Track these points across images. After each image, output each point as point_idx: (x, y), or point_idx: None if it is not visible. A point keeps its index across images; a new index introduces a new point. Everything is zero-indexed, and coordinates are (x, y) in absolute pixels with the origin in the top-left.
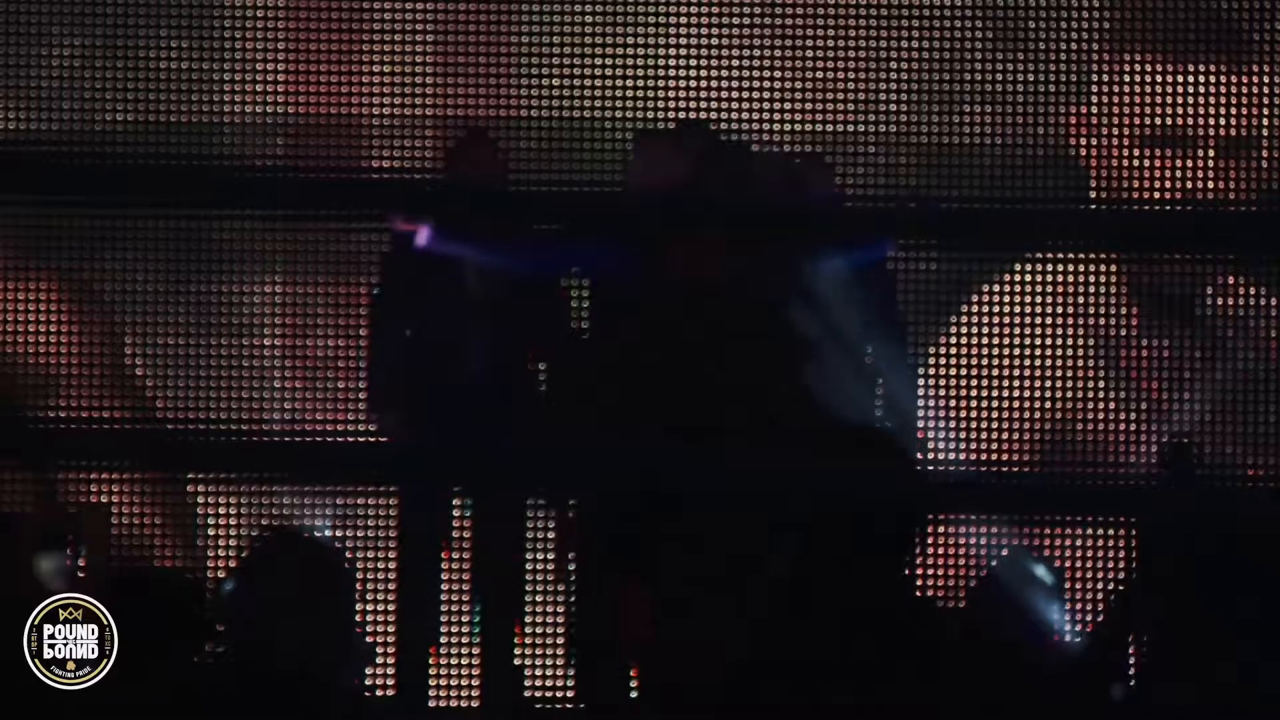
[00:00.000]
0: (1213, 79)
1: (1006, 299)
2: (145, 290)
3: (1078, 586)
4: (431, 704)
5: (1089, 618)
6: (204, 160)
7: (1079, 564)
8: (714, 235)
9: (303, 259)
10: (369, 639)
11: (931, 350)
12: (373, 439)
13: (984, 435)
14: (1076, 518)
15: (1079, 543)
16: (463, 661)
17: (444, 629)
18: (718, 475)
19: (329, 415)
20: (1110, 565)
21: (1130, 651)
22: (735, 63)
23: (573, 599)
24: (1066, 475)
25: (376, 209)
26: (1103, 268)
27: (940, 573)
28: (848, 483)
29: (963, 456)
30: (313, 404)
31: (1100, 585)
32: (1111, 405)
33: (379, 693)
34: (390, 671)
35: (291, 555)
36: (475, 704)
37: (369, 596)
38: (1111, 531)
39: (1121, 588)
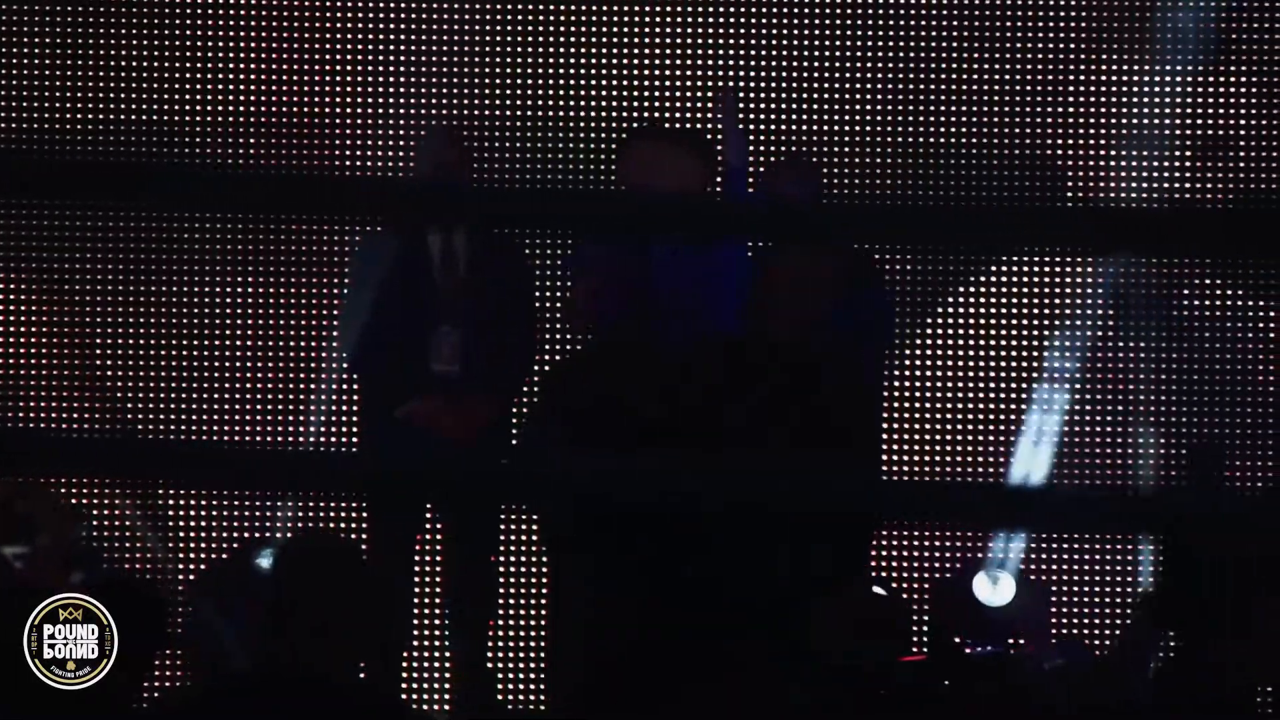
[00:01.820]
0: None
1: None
2: (121, 292)
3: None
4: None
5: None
6: (174, 159)
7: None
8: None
9: (277, 261)
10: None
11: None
12: (344, 449)
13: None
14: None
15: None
16: (435, 664)
17: (415, 632)
18: (689, 482)
19: (300, 422)
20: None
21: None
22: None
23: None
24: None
25: (347, 209)
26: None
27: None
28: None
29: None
30: (286, 410)
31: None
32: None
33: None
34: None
35: (322, 561)
36: (446, 707)
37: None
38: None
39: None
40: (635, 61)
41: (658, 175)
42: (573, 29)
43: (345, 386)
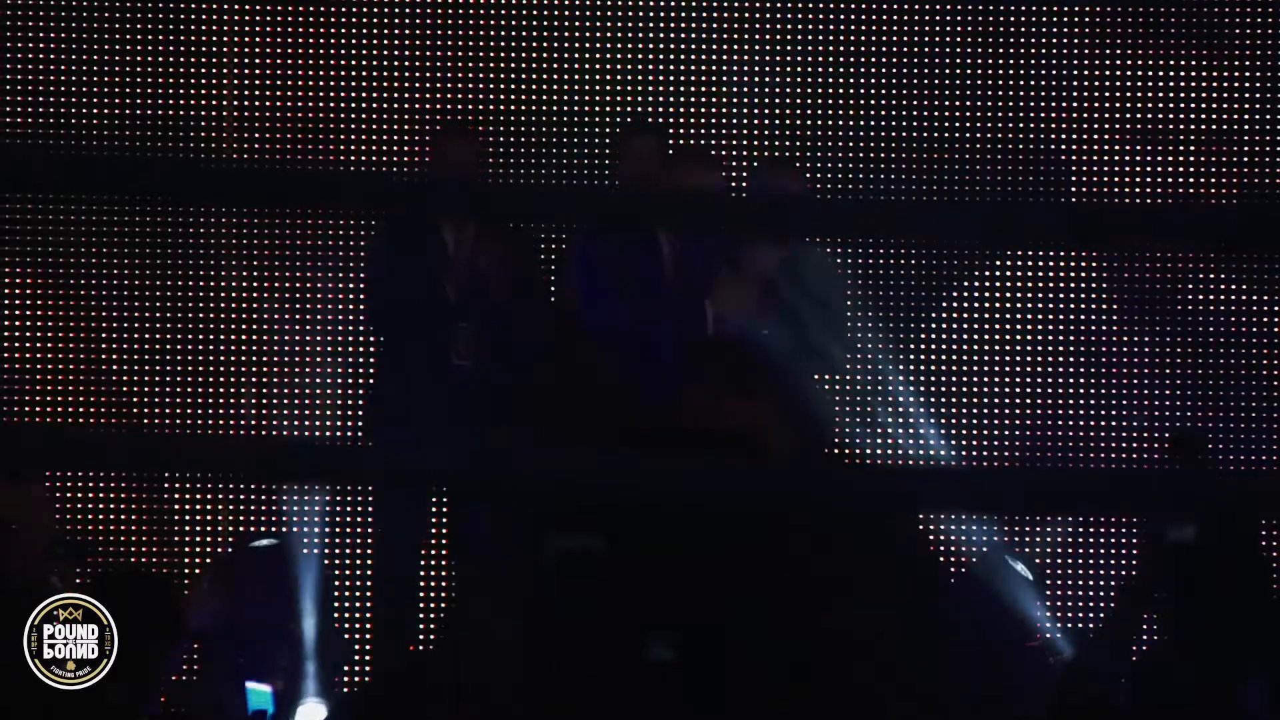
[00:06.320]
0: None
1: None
2: (124, 286)
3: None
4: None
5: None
6: (178, 154)
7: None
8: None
9: (281, 254)
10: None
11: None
12: (351, 442)
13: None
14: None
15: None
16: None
17: (421, 625)
18: (705, 481)
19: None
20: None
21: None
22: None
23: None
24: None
25: (356, 203)
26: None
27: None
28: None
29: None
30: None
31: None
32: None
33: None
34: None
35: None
36: None
37: (346, 594)
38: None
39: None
40: (635, 58)
41: (657, 168)
42: (575, 25)
43: (353, 382)
